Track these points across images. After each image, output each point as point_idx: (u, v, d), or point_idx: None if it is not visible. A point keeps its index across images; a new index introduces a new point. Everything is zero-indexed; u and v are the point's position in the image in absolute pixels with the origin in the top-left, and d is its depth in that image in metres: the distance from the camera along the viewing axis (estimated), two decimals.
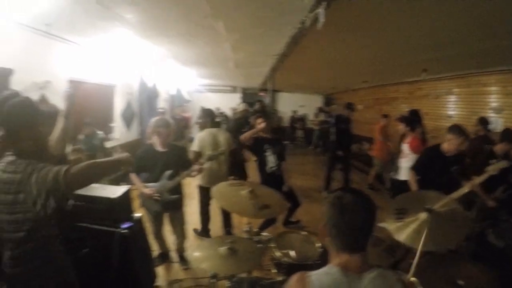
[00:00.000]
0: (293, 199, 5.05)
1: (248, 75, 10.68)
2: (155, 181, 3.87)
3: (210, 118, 4.88)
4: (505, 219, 4.01)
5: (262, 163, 4.73)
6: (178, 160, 4.00)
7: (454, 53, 5.26)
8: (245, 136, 4.59)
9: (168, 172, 3.85)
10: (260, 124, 4.59)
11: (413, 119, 5.97)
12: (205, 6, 3.43)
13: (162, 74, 10.11)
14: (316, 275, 1.43)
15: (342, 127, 7.16)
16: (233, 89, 16.87)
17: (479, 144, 5.15)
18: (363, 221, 1.45)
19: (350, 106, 7.31)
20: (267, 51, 5.84)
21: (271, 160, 4.67)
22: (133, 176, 3.91)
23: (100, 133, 6.26)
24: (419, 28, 4.01)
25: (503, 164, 3.55)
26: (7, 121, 1.86)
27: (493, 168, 3.52)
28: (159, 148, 3.94)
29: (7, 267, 1.90)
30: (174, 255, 4.45)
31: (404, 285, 1.43)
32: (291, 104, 17.37)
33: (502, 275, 2.40)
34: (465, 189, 3.37)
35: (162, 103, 10.79)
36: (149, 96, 9.28)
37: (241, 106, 7.66)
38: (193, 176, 4.14)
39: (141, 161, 3.93)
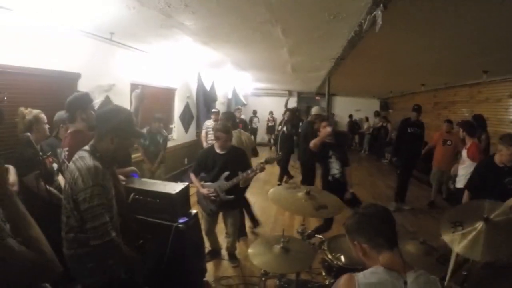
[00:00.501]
0: (357, 205, 4.93)
1: (304, 79, 10.68)
2: (213, 181, 4.07)
3: (231, 120, 4.89)
4: None
5: (325, 169, 4.59)
6: (237, 162, 4.12)
7: None
8: (315, 143, 4.48)
9: (225, 173, 4.01)
10: (326, 128, 4.46)
11: (475, 125, 5.76)
12: (263, 12, 3.51)
13: (219, 78, 10.38)
14: (363, 275, 1.54)
15: (411, 131, 6.91)
16: (289, 93, 16.84)
17: None
18: (391, 221, 1.66)
19: (416, 109, 6.98)
20: (324, 55, 5.84)
21: (335, 166, 4.53)
22: (192, 175, 4.17)
23: (165, 132, 6.49)
24: (480, 28, 3.85)
25: None
26: (100, 121, 2.13)
27: None
28: (219, 150, 4.12)
29: (63, 247, 2.10)
30: (224, 253, 4.58)
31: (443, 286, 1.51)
32: (347, 108, 17.13)
33: None
34: None
35: (219, 106, 11.07)
36: (206, 99, 9.56)
37: (315, 110, 7.32)
38: (250, 178, 4.22)
39: (201, 162, 4.18)
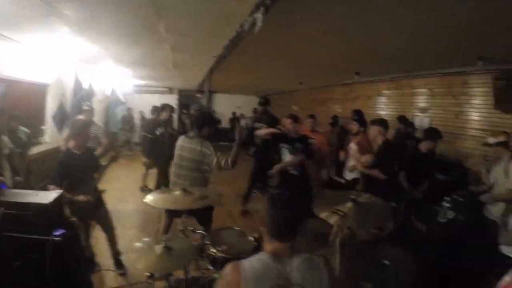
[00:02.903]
0: None
1: (186, 76, 10.59)
2: (79, 185, 3.73)
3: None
4: (425, 206, 4.39)
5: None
6: (94, 161, 4.02)
7: (385, 57, 5.59)
8: None
9: (88, 173, 3.81)
10: None
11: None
12: (147, 6, 3.37)
13: (98, 74, 9.68)
14: (248, 262, 1.59)
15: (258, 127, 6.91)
16: (170, 90, 16.62)
17: (403, 139, 5.55)
18: (293, 215, 1.65)
19: (263, 102, 7.27)
20: (206, 52, 5.84)
21: None
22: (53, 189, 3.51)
23: (24, 128, 5.61)
24: (353, 33, 4.21)
25: None
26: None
27: None
28: (76, 150, 3.83)
29: None
30: (109, 261, 4.29)
31: (330, 267, 1.63)
32: (227, 106, 17.46)
33: (425, 256, 2.65)
34: None
35: (96, 105, 10.41)
36: (83, 97, 8.87)
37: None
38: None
39: (62, 170, 3.75)
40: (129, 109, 15.21)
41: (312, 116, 6.65)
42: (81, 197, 3.66)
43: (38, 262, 2.62)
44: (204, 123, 4.04)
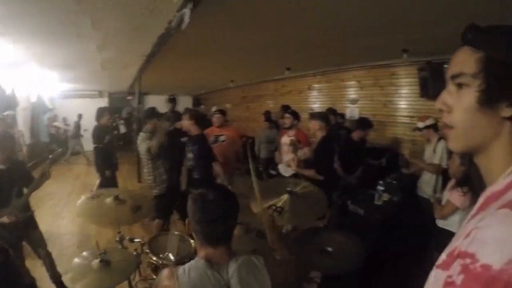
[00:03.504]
0: None
1: (115, 77, 10.23)
2: (3, 204, 3.33)
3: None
4: (361, 191, 4.61)
5: None
6: (22, 175, 3.61)
7: (315, 53, 5.79)
8: None
9: (15, 190, 3.41)
10: None
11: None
12: (71, 2, 3.22)
13: (20, 79, 9.09)
14: (183, 269, 1.49)
15: None
16: (100, 94, 16.00)
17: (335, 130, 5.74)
18: (224, 215, 1.54)
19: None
20: (134, 51, 5.70)
21: None
22: None
23: None
24: (282, 29, 4.32)
25: None
26: None
27: None
28: (1, 165, 3.44)
29: None
30: (50, 285, 4.00)
31: (269, 267, 1.58)
32: (160, 107, 17.08)
33: (364, 238, 2.78)
34: None
35: (21, 112, 9.80)
36: (8, 105, 8.29)
37: None
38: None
39: None
40: (55, 116, 14.50)
41: (220, 112, 6.42)
42: (5, 219, 3.22)
43: None
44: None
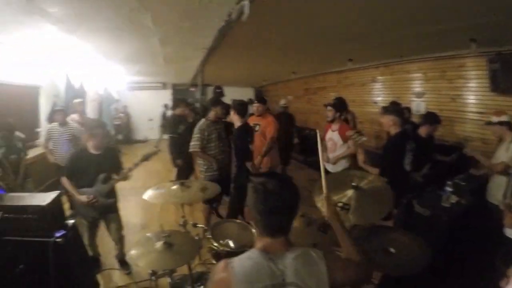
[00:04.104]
0: None
1: (178, 70, 10.50)
2: (89, 185, 3.73)
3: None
4: (429, 190, 4.34)
5: None
6: (111, 162, 3.89)
7: (377, 43, 5.54)
8: None
9: (102, 176, 3.73)
10: None
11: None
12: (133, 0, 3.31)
13: (89, 73, 9.58)
14: (238, 261, 1.47)
15: None
16: (164, 86, 16.51)
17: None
18: (286, 206, 1.50)
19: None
20: (195, 44, 5.77)
21: None
22: (65, 182, 3.74)
23: (19, 134, 5.38)
24: (344, 19, 4.17)
25: None
26: None
27: None
28: (93, 150, 3.80)
29: None
30: (113, 261, 4.31)
31: (328, 263, 1.48)
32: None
33: (429, 241, 2.62)
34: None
35: (90, 104, 10.32)
36: (76, 97, 8.77)
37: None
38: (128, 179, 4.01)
39: (74, 165, 3.77)
40: (124, 107, 15.26)
41: (259, 101, 6.32)
42: (83, 198, 3.68)
43: (41, 265, 2.59)
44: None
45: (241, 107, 4.73)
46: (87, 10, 3.80)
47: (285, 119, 8.00)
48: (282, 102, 8.63)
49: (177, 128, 6.47)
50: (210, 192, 3.43)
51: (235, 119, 4.76)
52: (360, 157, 4.58)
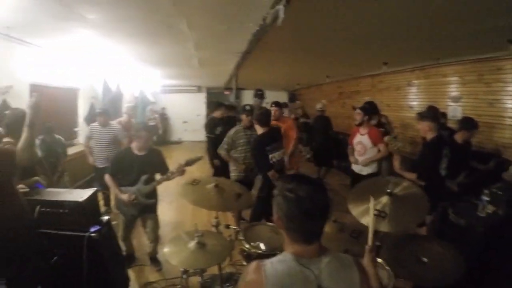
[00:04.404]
0: None
1: (212, 74, 10.64)
2: (131, 184, 3.89)
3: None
4: (465, 199, 4.21)
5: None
6: (155, 164, 4.01)
7: (413, 45, 5.42)
8: None
9: (144, 177, 3.85)
10: None
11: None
12: (168, 5, 3.41)
13: (125, 76, 9.88)
14: (271, 263, 1.43)
15: None
16: (198, 89, 16.78)
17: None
18: (319, 209, 1.43)
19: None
20: (230, 48, 5.84)
21: None
22: (108, 179, 3.94)
23: (59, 138, 5.71)
24: (378, 22, 4.11)
25: None
26: None
27: None
28: (137, 151, 3.94)
29: None
30: (145, 258, 4.43)
31: (360, 268, 1.46)
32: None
33: (464, 251, 2.54)
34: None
35: (125, 106, 10.60)
36: (113, 99, 9.06)
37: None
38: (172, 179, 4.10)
39: (118, 164, 3.95)
40: (162, 109, 15.66)
41: (276, 104, 6.21)
42: (125, 196, 3.84)
43: (74, 258, 2.72)
44: None
45: (261, 116, 4.66)
46: (123, 16, 3.95)
47: (322, 122, 7.96)
48: (319, 106, 8.66)
49: (215, 129, 6.65)
50: (244, 201, 3.40)
51: (257, 128, 4.71)
52: (396, 163, 4.51)
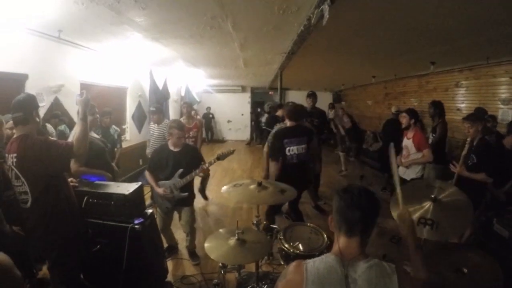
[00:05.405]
0: None
1: (257, 74, 10.73)
2: (167, 178, 4.06)
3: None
4: (511, 209, 4.00)
5: None
6: (190, 159, 4.11)
7: (461, 45, 5.23)
8: None
9: (179, 171, 3.98)
10: None
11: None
12: (213, 6, 3.50)
13: (172, 75, 10.15)
14: (312, 262, 1.50)
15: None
16: (242, 89, 16.92)
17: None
18: (366, 202, 1.51)
19: (311, 95, 6.87)
20: (275, 49, 5.89)
21: None
22: (147, 174, 4.17)
23: (116, 127, 6.01)
24: (426, 21, 4.01)
25: None
26: None
27: None
28: (172, 148, 4.11)
29: None
30: (184, 251, 4.55)
31: (401, 278, 1.45)
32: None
33: (506, 264, 2.43)
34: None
35: (172, 105, 10.88)
36: (159, 98, 9.33)
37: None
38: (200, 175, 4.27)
39: (155, 160, 4.18)
40: (208, 108, 15.95)
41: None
42: (160, 190, 4.02)
43: (117, 247, 2.89)
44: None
45: (290, 111, 4.71)
46: (170, 19, 4.10)
47: (392, 125, 7.73)
48: (393, 109, 8.45)
49: (274, 126, 6.73)
50: (288, 195, 3.37)
51: (286, 122, 4.76)
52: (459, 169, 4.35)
